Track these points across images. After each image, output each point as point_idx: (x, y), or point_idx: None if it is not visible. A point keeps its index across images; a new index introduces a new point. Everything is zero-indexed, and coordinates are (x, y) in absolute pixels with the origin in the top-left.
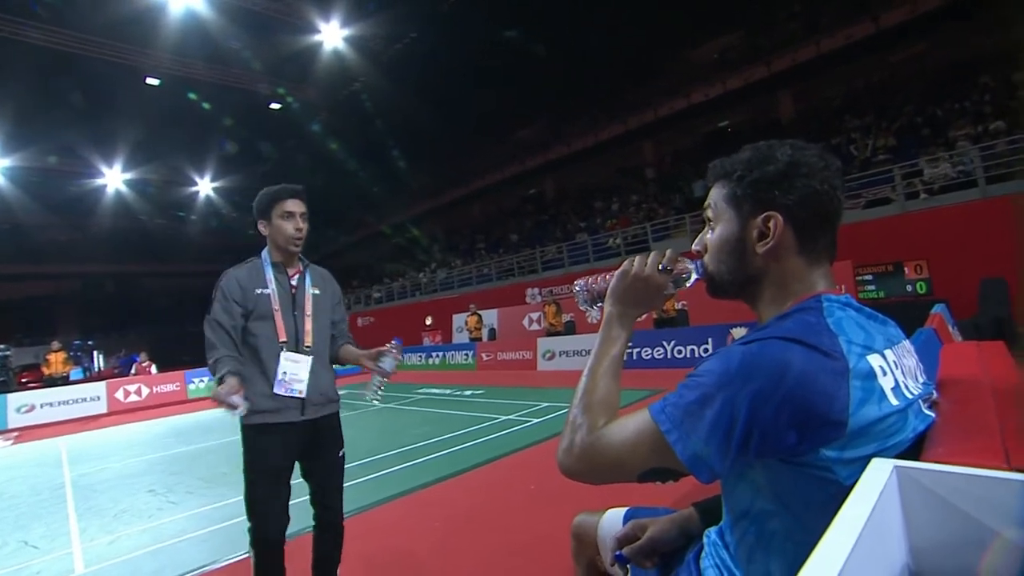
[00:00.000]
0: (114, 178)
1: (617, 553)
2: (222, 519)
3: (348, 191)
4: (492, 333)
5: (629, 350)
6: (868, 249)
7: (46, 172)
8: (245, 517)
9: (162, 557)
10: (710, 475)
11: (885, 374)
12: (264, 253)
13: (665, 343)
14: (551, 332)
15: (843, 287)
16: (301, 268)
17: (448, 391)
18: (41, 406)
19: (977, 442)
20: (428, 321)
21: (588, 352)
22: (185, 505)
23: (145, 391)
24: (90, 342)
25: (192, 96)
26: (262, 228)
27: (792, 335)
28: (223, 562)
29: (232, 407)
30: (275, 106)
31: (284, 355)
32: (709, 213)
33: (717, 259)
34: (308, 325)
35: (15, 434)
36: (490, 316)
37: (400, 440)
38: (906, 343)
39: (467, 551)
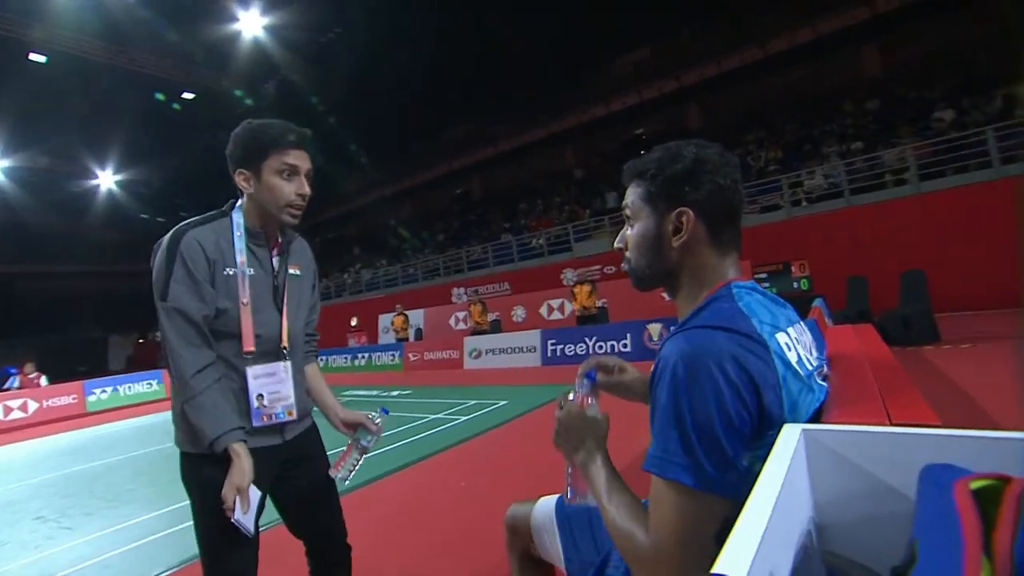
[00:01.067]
0: None
1: (589, 372)
2: (129, 540)
3: None
4: (419, 333)
5: (553, 346)
6: (763, 250)
7: None
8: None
9: None
10: (727, 485)
11: (791, 349)
12: (236, 214)
13: (587, 339)
14: (477, 331)
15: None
16: (282, 242)
17: (375, 392)
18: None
19: (864, 405)
20: (353, 322)
21: (514, 349)
22: (82, 530)
23: (33, 406)
24: None
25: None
26: (241, 181)
27: (712, 323)
28: None
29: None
30: (188, 96)
31: (254, 368)
32: (628, 212)
33: (637, 254)
34: (285, 321)
35: None
36: (416, 316)
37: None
38: (801, 324)
39: (395, 553)
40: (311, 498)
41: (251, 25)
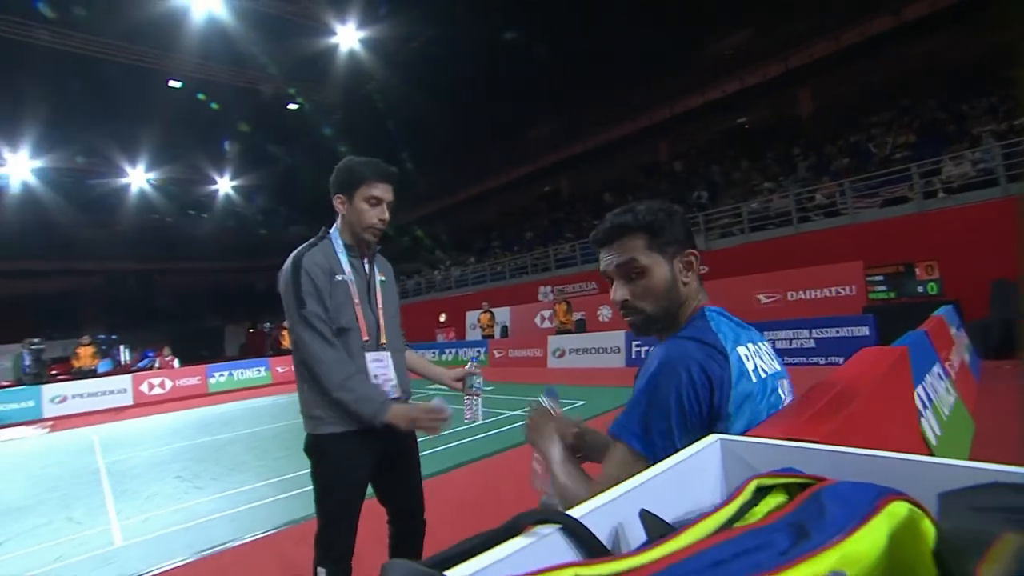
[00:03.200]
0: (138, 177)
1: (550, 389)
2: (245, 502)
3: None
4: (504, 330)
5: (638, 348)
6: (880, 249)
7: (74, 172)
8: (318, 535)
9: (191, 534)
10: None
11: (748, 360)
12: (334, 233)
13: None
14: (562, 330)
15: (854, 287)
16: (370, 253)
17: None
18: (73, 397)
19: (787, 420)
20: (442, 318)
21: (598, 350)
22: (210, 489)
23: (168, 384)
24: (114, 336)
25: (202, 97)
26: (338, 204)
27: (688, 336)
28: (246, 539)
29: (442, 419)
30: (292, 107)
31: (368, 355)
32: (641, 263)
33: (654, 300)
34: (382, 318)
35: (50, 423)
36: (503, 314)
37: None
38: (762, 343)
39: (463, 534)
40: (400, 473)
41: (347, 38)
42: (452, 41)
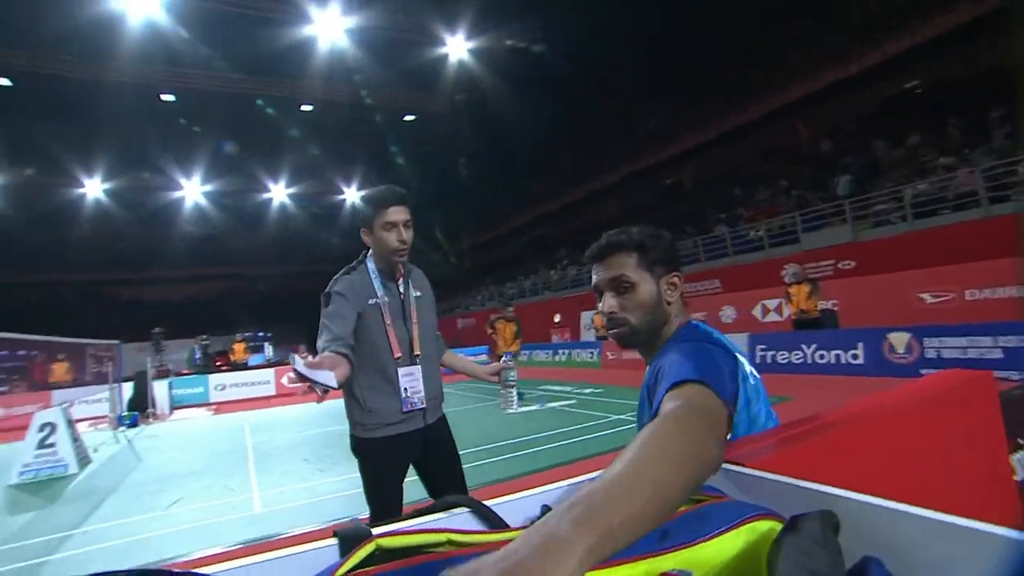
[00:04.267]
0: (279, 193)
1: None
2: (359, 485)
3: (481, 192)
4: None
5: (763, 352)
6: None
7: (229, 194)
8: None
9: (315, 508)
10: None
11: (743, 365)
12: (368, 262)
13: (804, 347)
14: None
15: None
16: (404, 272)
17: (568, 388)
18: (230, 385)
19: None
20: (557, 318)
21: None
22: (332, 472)
23: None
24: (265, 334)
25: (303, 108)
26: (364, 237)
27: (696, 338)
28: (361, 516)
29: (321, 384)
30: (409, 118)
31: (401, 371)
32: (629, 278)
33: (641, 314)
34: (416, 332)
35: (214, 406)
36: None
37: (506, 434)
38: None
39: None
40: (443, 469)
41: (457, 49)
42: (561, 37)
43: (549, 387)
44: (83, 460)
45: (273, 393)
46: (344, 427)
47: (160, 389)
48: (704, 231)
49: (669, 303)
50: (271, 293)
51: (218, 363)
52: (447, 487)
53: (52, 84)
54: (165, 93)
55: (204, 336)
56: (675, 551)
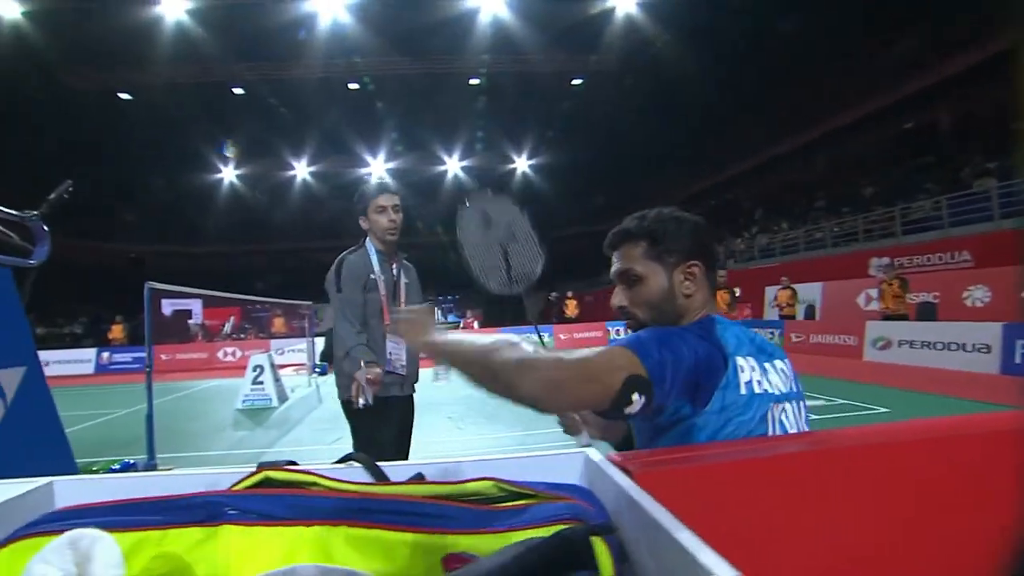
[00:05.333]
0: (453, 165)
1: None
2: (499, 446)
3: (658, 155)
4: (810, 311)
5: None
6: None
7: (413, 170)
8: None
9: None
10: (663, 390)
11: (743, 371)
12: (368, 243)
13: None
14: (889, 315)
15: None
16: (397, 260)
17: None
18: None
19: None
20: (736, 293)
21: (952, 345)
22: (469, 431)
23: None
24: (451, 297)
25: (476, 83)
26: (362, 223)
27: (690, 329)
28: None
29: (364, 397)
30: (576, 82)
31: (388, 337)
32: (637, 271)
33: (650, 308)
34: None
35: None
36: (811, 290)
37: None
38: (778, 361)
39: None
40: (405, 438)
41: (624, 2)
42: None
43: None
44: (282, 397)
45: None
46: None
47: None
48: (956, 187)
49: (687, 295)
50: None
51: None
52: (402, 447)
53: (269, 88)
54: (351, 82)
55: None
56: (474, 534)
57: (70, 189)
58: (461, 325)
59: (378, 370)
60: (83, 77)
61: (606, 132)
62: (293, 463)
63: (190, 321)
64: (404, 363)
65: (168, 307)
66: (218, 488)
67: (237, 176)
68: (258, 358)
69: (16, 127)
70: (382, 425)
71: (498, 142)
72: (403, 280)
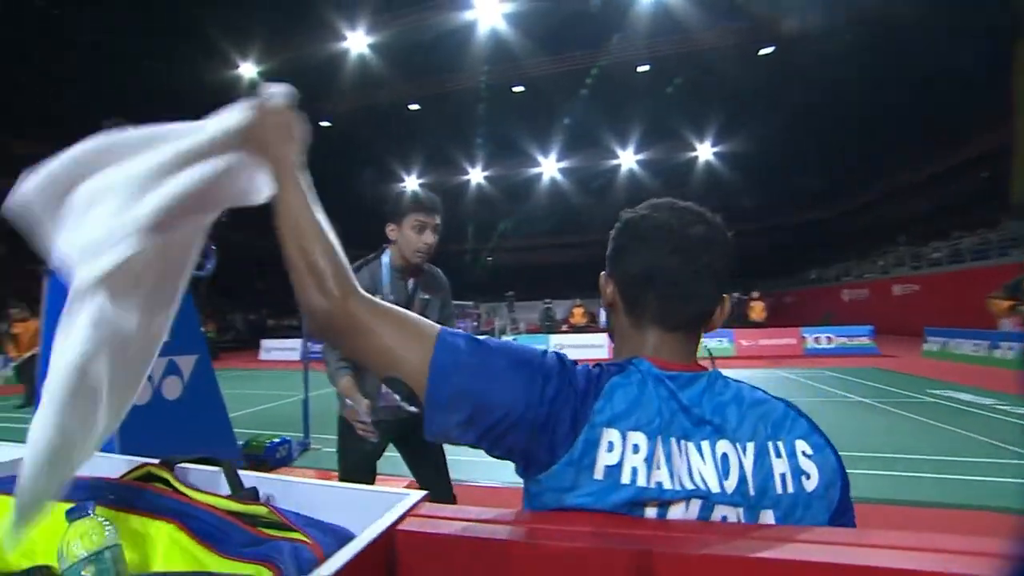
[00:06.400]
0: (627, 159)
1: None
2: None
3: (879, 127)
4: None
5: None
6: None
7: (584, 167)
8: None
9: None
10: (442, 419)
11: (610, 449)
12: (385, 257)
13: None
14: None
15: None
16: (418, 274)
17: (988, 400)
18: (567, 346)
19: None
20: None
21: None
22: None
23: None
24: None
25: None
26: (389, 231)
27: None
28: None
29: (366, 431)
30: (764, 51)
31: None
32: (605, 292)
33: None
34: None
35: None
36: None
37: (858, 443)
38: (727, 443)
39: None
40: (420, 457)
41: None
42: None
43: (951, 392)
44: None
45: (606, 356)
46: None
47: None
48: None
49: (611, 327)
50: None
51: (564, 327)
52: (422, 467)
53: (441, 101)
54: (515, 86)
55: (547, 300)
56: (210, 550)
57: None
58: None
59: (362, 406)
60: (303, 111)
61: (807, 108)
62: (205, 460)
63: None
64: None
65: None
66: (114, 475)
67: (420, 184)
68: None
69: None
70: (359, 443)
71: (675, 130)
72: (420, 295)
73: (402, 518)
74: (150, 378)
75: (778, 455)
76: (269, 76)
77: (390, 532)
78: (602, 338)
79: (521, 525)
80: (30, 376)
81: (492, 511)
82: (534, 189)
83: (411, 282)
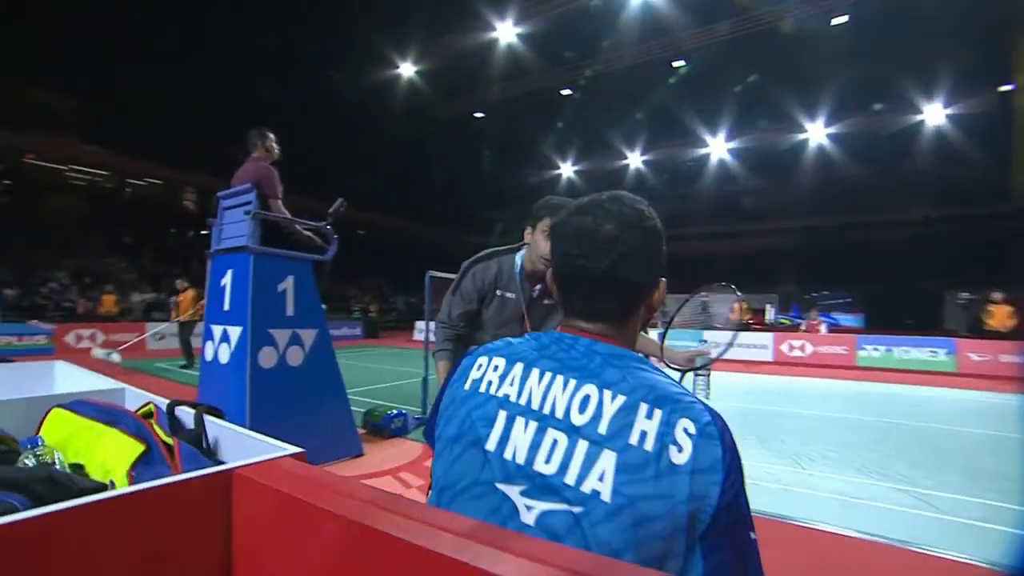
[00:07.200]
0: (816, 132)
1: None
2: (837, 492)
3: None
4: None
5: None
6: None
7: (759, 147)
8: None
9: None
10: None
11: (479, 368)
12: (519, 256)
13: None
14: None
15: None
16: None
17: None
18: (720, 345)
19: None
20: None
21: None
22: (820, 468)
23: (809, 348)
24: (813, 294)
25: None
26: (526, 234)
27: None
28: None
29: None
30: None
31: None
32: None
33: None
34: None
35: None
36: None
37: None
38: (593, 387)
39: None
40: None
41: None
42: None
43: None
44: None
45: (770, 359)
46: (871, 419)
47: (651, 336)
48: None
49: None
50: (815, 249)
51: (751, 320)
52: None
53: (599, 84)
54: (675, 60)
55: (703, 292)
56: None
57: (344, 205)
58: (803, 327)
59: None
60: (451, 106)
61: None
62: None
63: None
64: None
65: None
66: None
67: (575, 172)
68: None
69: (416, 155)
70: None
71: (891, 89)
72: (544, 302)
73: (250, 465)
74: (276, 346)
75: (649, 417)
76: (424, 74)
77: (227, 473)
78: (767, 337)
79: (350, 500)
80: (183, 338)
81: (346, 483)
82: (698, 172)
83: (538, 288)
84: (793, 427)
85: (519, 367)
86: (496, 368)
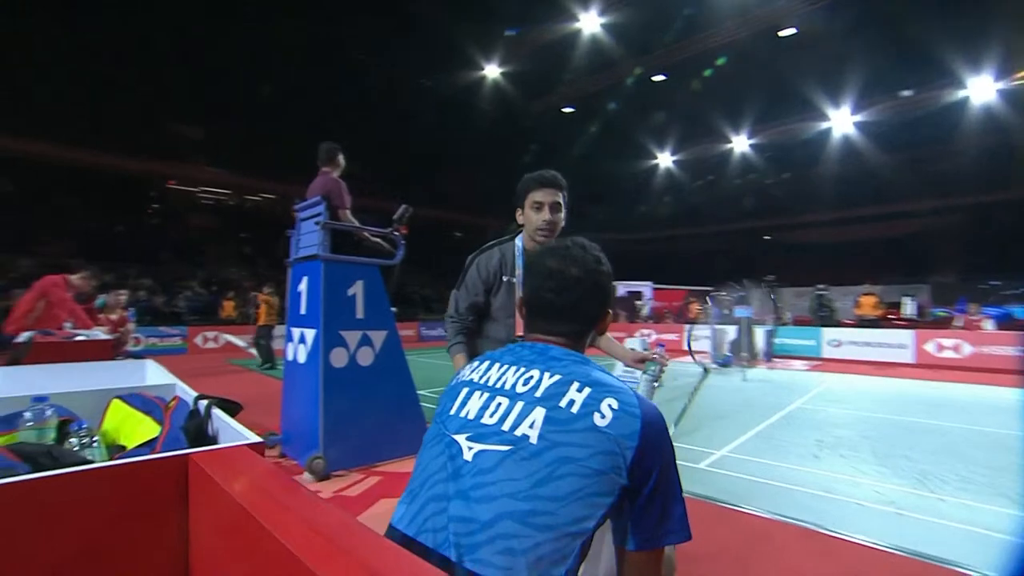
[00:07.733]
0: (981, 89)
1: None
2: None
3: None
4: None
5: None
6: None
7: (885, 120)
8: None
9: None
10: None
11: (464, 372)
12: (518, 239)
13: None
14: None
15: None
16: None
17: None
18: (847, 343)
19: None
20: None
21: None
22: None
23: (967, 349)
24: (982, 285)
25: None
26: (517, 215)
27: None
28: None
29: None
30: None
31: None
32: None
33: None
34: None
35: (820, 362)
36: None
37: None
38: (536, 371)
39: None
40: None
41: None
42: None
43: None
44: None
45: (911, 361)
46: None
47: (758, 335)
48: None
49: None
50: (924, 236)
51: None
52: None
53: (688, 65)
54: (782, 29)
55: (822, 285)
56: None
57: (409, 211)
58: (961, 324)
59: None
60: (542, 102)
61: None
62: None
63: (637, 302)
64: None
65: (622, 289)
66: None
67: (673, 161)
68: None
69: (506, 151)
70: None
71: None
72: None
73: (204, 452)
74: (347, 347)
75: (580, 391)
76: (509, 76)
77: (185, 457)
78: (906, 336)
79: (280, 492)
80: (259, 342)
81: (279, 477)
82: (816, 152)
83: None
84: (925, 442)
85: (487, 363)
86: (474, 369)
